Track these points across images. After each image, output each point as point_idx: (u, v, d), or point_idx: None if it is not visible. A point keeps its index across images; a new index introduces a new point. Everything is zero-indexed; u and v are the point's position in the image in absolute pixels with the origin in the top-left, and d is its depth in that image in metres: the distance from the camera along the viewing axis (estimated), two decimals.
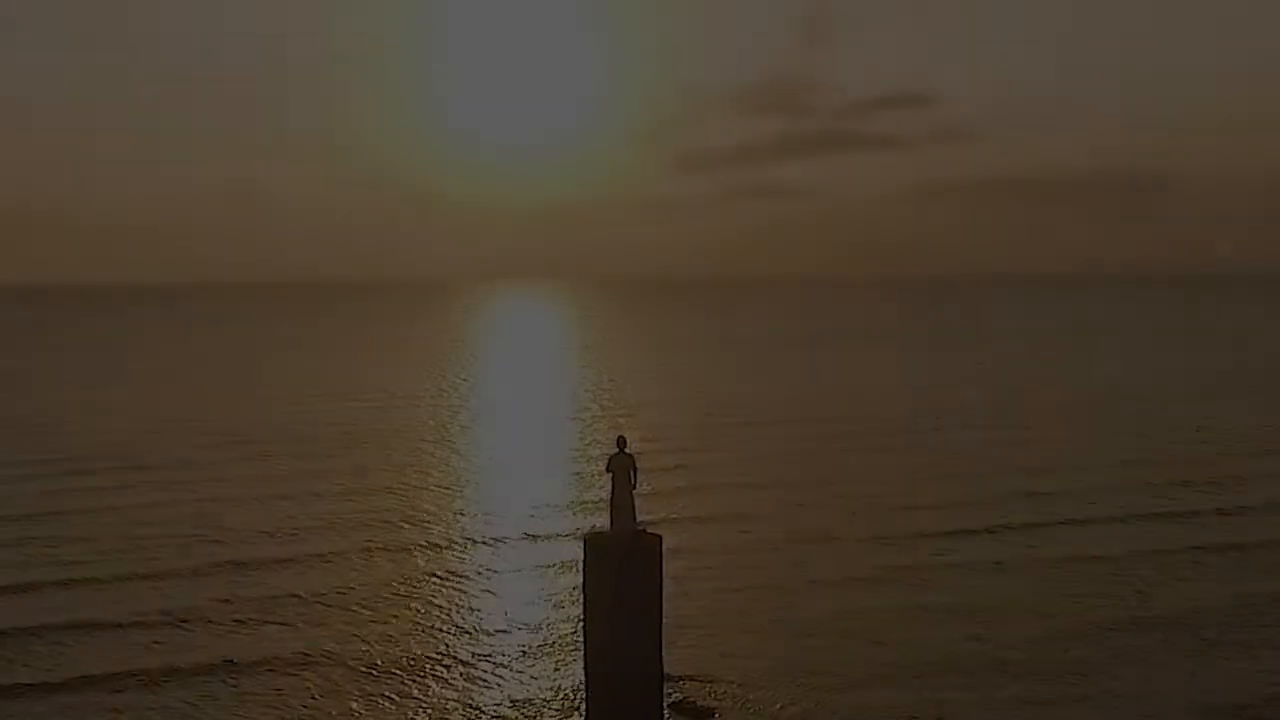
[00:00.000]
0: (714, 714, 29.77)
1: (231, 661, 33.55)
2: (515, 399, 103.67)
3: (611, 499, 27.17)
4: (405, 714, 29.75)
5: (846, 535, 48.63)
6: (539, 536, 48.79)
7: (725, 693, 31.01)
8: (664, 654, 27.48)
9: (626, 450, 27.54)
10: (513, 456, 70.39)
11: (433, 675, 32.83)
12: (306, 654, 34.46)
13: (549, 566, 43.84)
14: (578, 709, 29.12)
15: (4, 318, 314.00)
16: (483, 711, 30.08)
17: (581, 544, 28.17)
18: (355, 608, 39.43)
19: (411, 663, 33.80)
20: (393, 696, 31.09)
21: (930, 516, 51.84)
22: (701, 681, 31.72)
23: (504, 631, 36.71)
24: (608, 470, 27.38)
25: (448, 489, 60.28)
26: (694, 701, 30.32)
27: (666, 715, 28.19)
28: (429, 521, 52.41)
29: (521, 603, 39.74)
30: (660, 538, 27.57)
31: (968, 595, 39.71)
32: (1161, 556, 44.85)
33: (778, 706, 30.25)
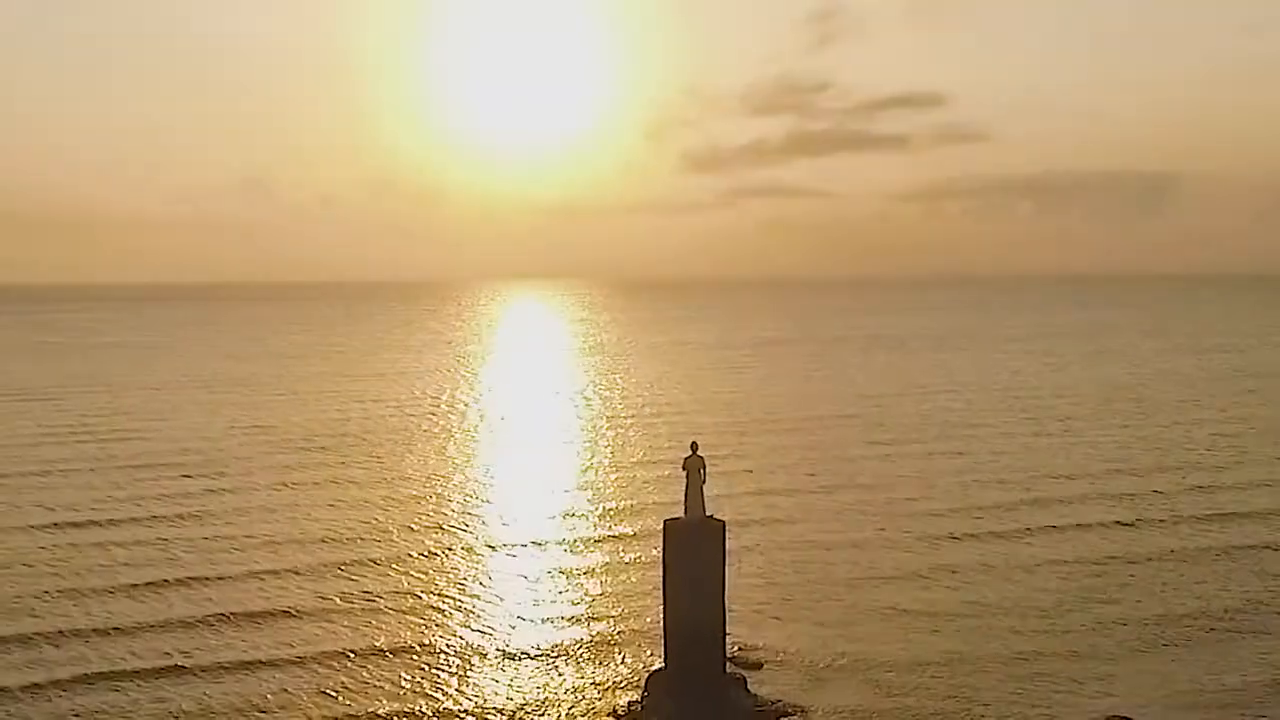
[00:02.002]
0: (762, 666, 37.22)
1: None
2: (568, 402, 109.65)
3: (686, 492, 34.46)
4: (519, 665, 37.42)
5: (884, 532, 55.37)
6: (627, 525, 56.57)
7: (772, 650, 38.66)
8: (725, 617, 34.67)
9: (698, 453, 34.75)
10: (583, 457, 77.28)
11: (540, 633, 40.64)
12: (423, 643, 42.10)
13: (635, 547, 51.75)
14: (658, 657, 36.49)
15: (35, 319, 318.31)
16: (583, 655, 37.83)
17: (662, 528, 35.40)
18: (460, 599, 47.24)
19: (522, 624, 41.62)
20: (504, 657, 38.76)
21: (959, 519, 57.80)
22: (754, 640, 39.25)
23: (600, 595, 44.87)
24: (683, 468, 34.65)
25: (530, 488, 67.75)
26: (747, 656, 37.82)
27: (726, 664, 35.44)
28: (522, 516, 59.94)
29: (614, 574, 47.97)
30: (724, 523, 34.84)
31: (988, 592, 46.35)
32: (1183, 556, 50.18)
33: (813, 663, 37.75)
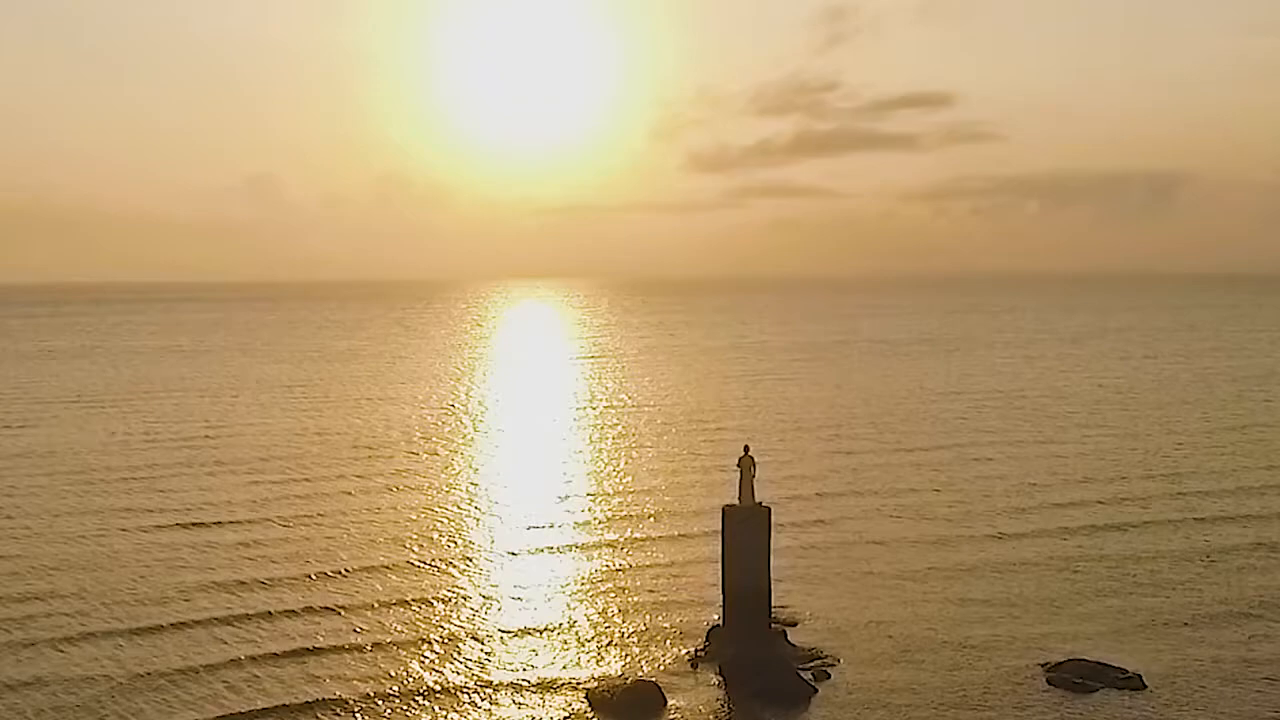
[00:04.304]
0: (799, 623, 46.13)
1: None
2: (614, 407, 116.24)
3: (739, 484, 43.47)
4: (604, 624, 46.42)
5: (899, 521, 63.84)
6: (691, 512, 65.20)
7: (808, 611, 47.79)
8: (771, 584, 43.59)
9: (749, 454, 43.76)
10: (644, 457, 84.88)
11: (623, 596, 49.89)
12: (520, 616, 51.09)
13: (698, 529, 60.20)
14: (717, 615, 45.33)
15: (54, 322, 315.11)
16: (657, 613, 47.03)
17: (721, 513, 44.43)
18: (550, 577, 56.43)
19: (609, 591, 51.01)
20: (593, 618, 47.84)
21: (965, 517, 65.57)
22: (793, 603, 48.23)
23: (670, 567, 54.60)
24: (737, 465, 43.65)
25: (599, 484, 76.20)
26: (788, 615, 46.77)
27: (771, 621, 44.23)
28: (600, 507, 68.65)
29: (681, 551, 57.54)
30: (770, 509, 43.88)
31: (988, 577, 54.83)
32: (1167, 556, 57.27)
33: (840, 622, 46.68)
